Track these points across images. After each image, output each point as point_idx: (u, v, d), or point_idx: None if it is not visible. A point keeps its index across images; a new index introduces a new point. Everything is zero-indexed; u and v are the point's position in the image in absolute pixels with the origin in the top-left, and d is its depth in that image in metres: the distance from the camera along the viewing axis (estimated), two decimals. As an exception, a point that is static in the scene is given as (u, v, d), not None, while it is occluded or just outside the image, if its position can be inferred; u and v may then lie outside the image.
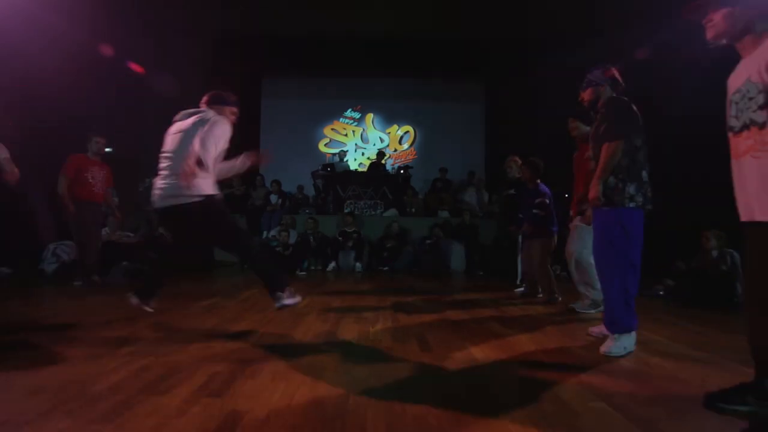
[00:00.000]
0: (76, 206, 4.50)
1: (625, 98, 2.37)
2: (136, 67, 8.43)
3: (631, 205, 2.24)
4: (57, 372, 1.77)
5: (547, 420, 1.39)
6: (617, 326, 2.25)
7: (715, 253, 4.32)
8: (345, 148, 10.51)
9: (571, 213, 3.47)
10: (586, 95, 2.56)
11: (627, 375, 1.91)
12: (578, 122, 3.35)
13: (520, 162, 4.78)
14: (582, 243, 3.31)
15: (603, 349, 2.23)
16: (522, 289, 4.42)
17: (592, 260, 3.15)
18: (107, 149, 4.88)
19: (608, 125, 2.29)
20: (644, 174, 2.29)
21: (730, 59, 1.56)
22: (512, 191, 4.85)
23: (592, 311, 3.34)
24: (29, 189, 5.34)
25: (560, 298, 3.88)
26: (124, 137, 8.62)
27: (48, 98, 6.34)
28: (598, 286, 3.24)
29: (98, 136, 4.73)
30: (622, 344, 2.21)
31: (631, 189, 2.25)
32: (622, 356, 2.17)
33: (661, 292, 4.59)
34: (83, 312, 3.15)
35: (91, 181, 4.60)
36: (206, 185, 2.53)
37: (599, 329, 2.62)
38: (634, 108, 2.32)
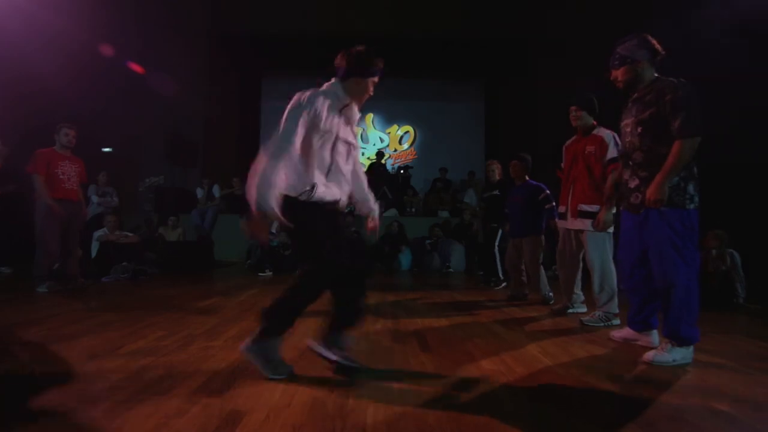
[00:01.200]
0: (48, 206, 4.11)
1: (681, 80, 2.09)
2: (136, 68, 8.44)
3: (692, 206, 2.08)
4: (57, 372, 1.77)
5: (547, 420, 1.39)
6: (677, 338, 2.06)
7: (714, 252, 4.31)
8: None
9: (562, 209, 3.22)
10: (620, 74, 2.24)
11: (627, 375, 1.91)
12: (582, 111, 3.05)
13: (500, 166, 4.89)
14: (602, 249, 3.01)
15: (647, 357, 2.08)
16: (503, 285, 4.43)
17: (612, 267, 2.99)
18: (107, 149, 4.79)
19: (686, 119, 2.00)
20: (696, 170, 2.12)
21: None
22: (496, 192, 4.89)
23: (601, 324, 2.95)
24: (28, 189, 5.34)
25: (552, 295, 3.90)
26: (124, 137, 8.64)
27: (48, 98, 6.34)
28: (615, 299, 3.06)
29: (68, 127, 4.29)
30: (672, 356, 2.04)
31: (690, 188, 2.09)
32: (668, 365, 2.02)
33: None
34: (83, 312, 3.15)
35: (61, 177, 4.21)
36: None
37: (622, 333, 2.51)
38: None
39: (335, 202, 1.93)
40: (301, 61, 9.96)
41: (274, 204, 1.70)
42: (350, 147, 2.00)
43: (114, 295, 4.04)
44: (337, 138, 1.90)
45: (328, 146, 1.89)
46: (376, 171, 9.38)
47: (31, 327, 2.59)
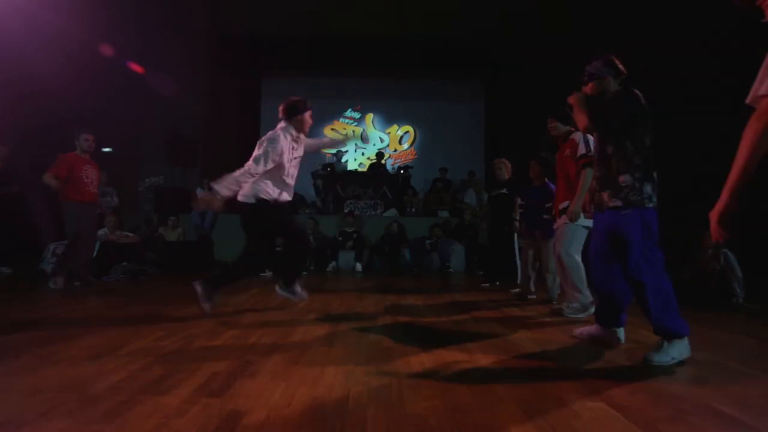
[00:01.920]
0: (75, 207, 4.33)
1: (635, 91, 2.25)
2: (136, 68, 8.44)
3: (650, 205, 2.18)
4: (57, 372, 1.77)
5: (547, 420, 1.39)
6: (665, 333, 2.08)
7: (710, 251, 4.30)
8: (344, 149, 10.50)
9: (554, 213, 3.46)
10: (589, 90, 2.45)
11: (627, 375, 1.91)
12: (557, 122, 3.39)
13: (509, 163, 4.85)
14: (567, 242, 3.23)
15: (647, 358, 2.06)
16: (518, 290, 4.42)
17: (578, 259, 3.21)
18: (107, 149, 4.85)
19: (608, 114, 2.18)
20: (654, 174, 2.22)
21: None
22: (504, 190, 4.88)
23: (581, 315, 3.20)
24: (28, 189, 5.34)
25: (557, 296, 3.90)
26: (124, 137, 8.64)
27: (48, 98, 6.34)
28: (587, 290, 3.22)
29: (87, 132, 4.49)
30: (670, 354, 2.04)
31: (648, 188, 2.18)
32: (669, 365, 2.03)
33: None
34: (83, 312, 3.15)
35: (86, 180, 4.42)
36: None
37: (588, 330, 2.57)
38: (642, 103, 2.22)
39: (287, 202, 3.21)
40: (301, 61, 9.97)
41: (225, 193, 2.88)
42: (299, 158, 3.26)
43: (114, 295, 4.05)
44: (293, 157, 3.17)
45: (287, 164, 3.10)
46: (376, 171, 9.39)
47: (31, 327, 2.59)
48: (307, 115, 3.19)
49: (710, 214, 1.38)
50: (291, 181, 3.20)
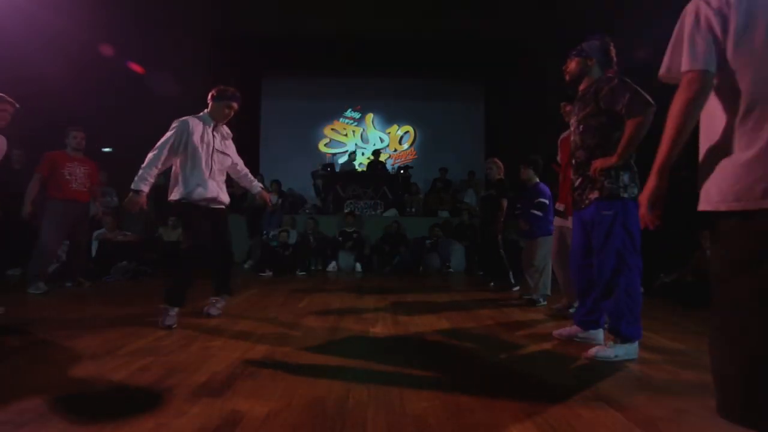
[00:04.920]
0: (56, 205, 4.20)
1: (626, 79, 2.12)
2: (135, 68, 8.43)
3: (625, 195, 2.09)
4: (57, 372, 1.77)
5: (547, 420, 1.39)
6: (618, 335, 2.10)
7: (708, 252, 4.28)
8: (354, 149, 10.51)
9: (561, 207, 3.24)
10: (572, 65, 2.31)
11: (627, 375, 1.91)
12: (571, 106, 3.13)
13: (500, 163, 4.84)
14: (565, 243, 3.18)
15: (590, 353, 2.09)
16: (517, 288, 4.43)
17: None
18: (107, 149, 4.81)
19: (630, 99, 2.00)
20: (633, 163, 2.15)
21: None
22: (492, 191, 4.88)
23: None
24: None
25: (544, 302, 3.84)
26: (124, 137, 8.64)
27: (48, 99, 6.34)
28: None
29: (76, 130, 4.43)
30: (615, 352, 2.07)
31: (625, 178, 2.10)
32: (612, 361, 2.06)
33: (667, 280, 4.53)
34: (83, 312, 3.15)
35: (68, 178, 4.26)
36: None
37: (567, 331, 2.54)
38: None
39: (212, 199, 2.87)
40: (301, 61, 9.96)
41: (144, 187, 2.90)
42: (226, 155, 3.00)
43: (114, 295, 4.05)
44: (213, 150, 2.91)
45: (205, 158, 2.86)
46: (376, 171, 9.38)
47: (32, 327, 2.59)
48: (225, 105, 2.97)
49: (640, 199, 1.29)
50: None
